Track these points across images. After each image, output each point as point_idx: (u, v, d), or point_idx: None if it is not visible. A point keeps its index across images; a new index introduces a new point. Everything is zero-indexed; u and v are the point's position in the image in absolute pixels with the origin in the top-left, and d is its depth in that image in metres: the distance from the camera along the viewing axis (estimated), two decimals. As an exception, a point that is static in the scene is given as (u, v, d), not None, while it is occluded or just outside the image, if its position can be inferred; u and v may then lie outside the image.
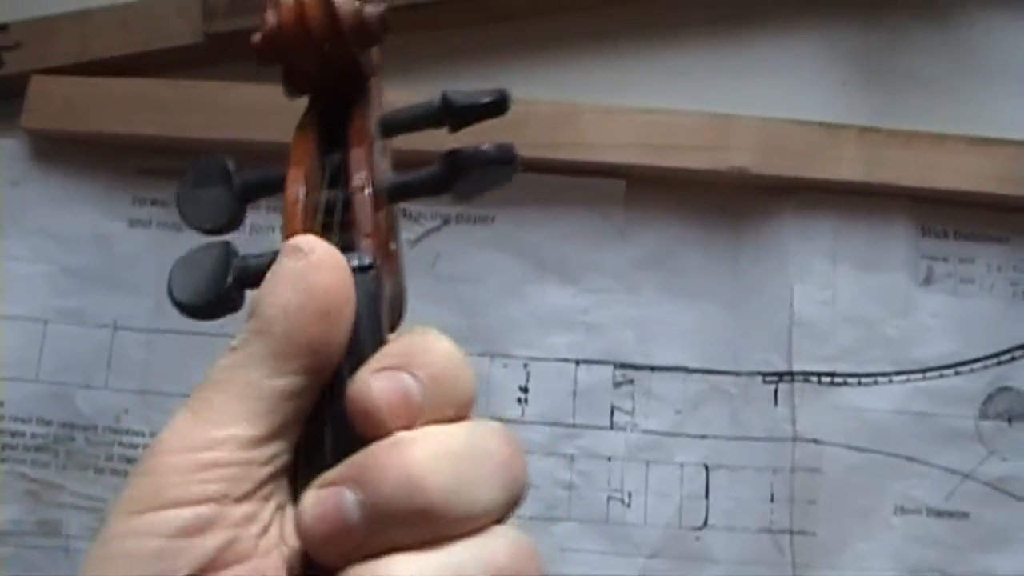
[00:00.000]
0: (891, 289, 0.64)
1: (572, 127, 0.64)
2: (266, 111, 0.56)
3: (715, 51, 0.68)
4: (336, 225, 0.34)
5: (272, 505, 0.29)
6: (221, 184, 0.36)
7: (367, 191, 0.34)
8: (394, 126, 0.38)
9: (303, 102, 0.39)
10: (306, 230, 0.33)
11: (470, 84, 0.60)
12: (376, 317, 0.31)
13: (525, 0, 0.67)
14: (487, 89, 0.38)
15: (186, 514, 0.27)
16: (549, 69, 0.68)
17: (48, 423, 0.63)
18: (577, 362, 0.64)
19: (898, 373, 0.64)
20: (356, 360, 0.30)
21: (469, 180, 0.36)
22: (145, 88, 0.65)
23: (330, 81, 0.38)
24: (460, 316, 0.64)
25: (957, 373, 0.64)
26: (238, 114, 0.64)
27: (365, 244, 0.32)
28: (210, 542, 0.27)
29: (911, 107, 0.67)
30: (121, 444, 0.63)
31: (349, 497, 0.27)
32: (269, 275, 0.30)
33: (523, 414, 0.63)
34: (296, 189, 0.34)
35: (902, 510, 0.62)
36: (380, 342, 0.31)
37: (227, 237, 0.36)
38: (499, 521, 0.28)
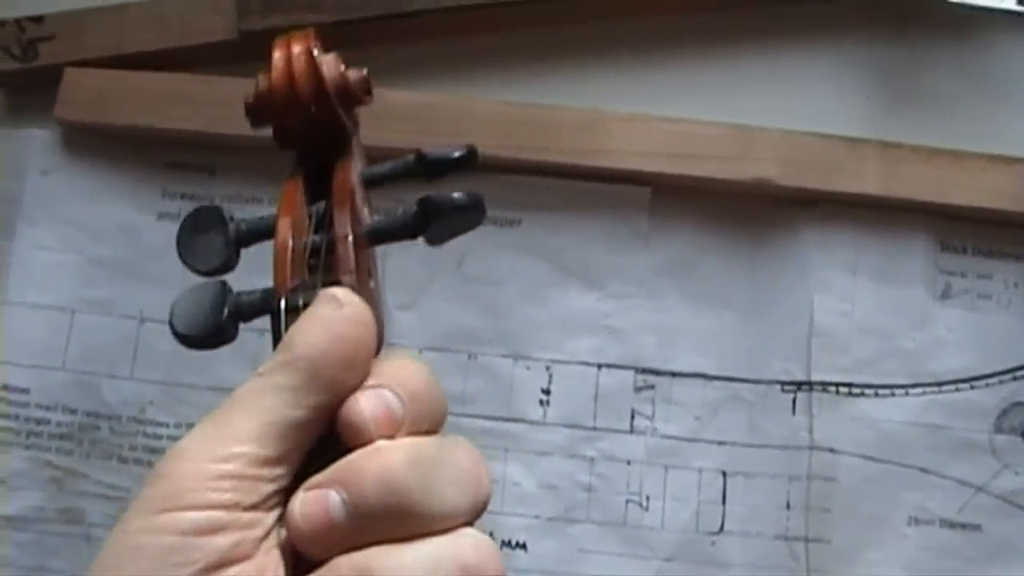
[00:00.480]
0: (909, 303, 0.65)
1: (599, 134, 0.64)
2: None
3: (741, 63, 0.69)
4: (321, 267, 0.37)
5: (274, 515, 0.32)
6: (217, 230, 0.40)
7: (349, 238, 0.37)
8: (374, 181, 0.41)
9: None
10: (294, 271, 0.37)
11: (500, 89, 0.62)
12: None
13: (557, 8, 0.68)
14: (457, 144, 0.41)
15: (201, 516, 0.30)
16: (578, 77, 0.68)
17: (73, 412, 0.63)
18: (599, 366, 0.64)
19: (914, 385, 0.64)
20: None
21: (440, 225, 0.39)
22: (177, 83, 0.66)
23: (316, 138, 0.41)
24: (484, 317, 0.64)
25: (972, 387, 0.65)
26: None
27: (347, 281, 0.36)
28: (221, 542, 0.30)
29: (932, 124, 0.68)
30: (145, 435, 0.63)
31: (334, 497, 0.31)
32: (305, 315, 0.34)
33: (544, 416, 0.64)
34: (286, 235, 0.38)
35: (916, 521, 0.63)
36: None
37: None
38: (467, 524, 0.32)
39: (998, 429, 0.64)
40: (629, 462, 0.63)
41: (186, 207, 0.66)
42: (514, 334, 0.64)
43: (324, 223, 0.39)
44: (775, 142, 0.65)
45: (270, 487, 0.32)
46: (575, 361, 0.64)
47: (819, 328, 0.64)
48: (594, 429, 0.64)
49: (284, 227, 0.38)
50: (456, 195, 0.39)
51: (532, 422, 0.63)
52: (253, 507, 0.31)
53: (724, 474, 0.64)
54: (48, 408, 0.63)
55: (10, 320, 0.64)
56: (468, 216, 0.39)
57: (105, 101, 0.65)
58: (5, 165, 0.66)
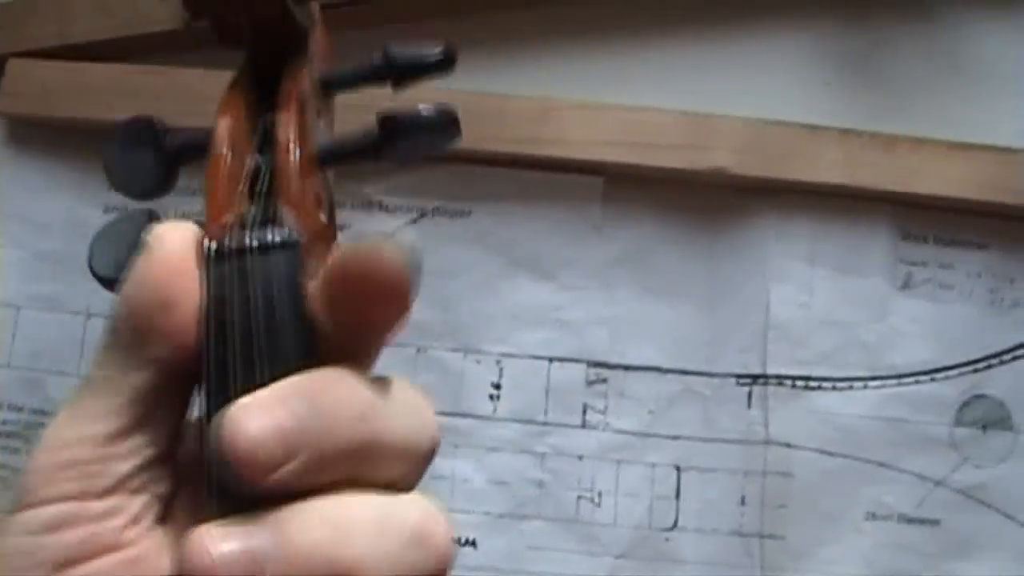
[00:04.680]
0: (869, 293, 0.64)
1: (551, 123, 0.63)
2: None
3: (697, 49, 0.67)
4: (261, 193, 0.32)
5: (144, 497, 0.30)
6: (149, 146, 0.35)
7: (294, 155, 0.32)
8: (333, 84, 0.36)
9: None
10: (229, 195, 0.31)
11: (448, 77, 0.59)
12: (295, 301, 0.30)
13: (505, -8, 0.67)
14: (432, 41, 0.36)
15: (45, 513, 0.28)
16: (528, 64, 0.67)
17: (20, 409, 0.63)
18: (550, 360, 0.63)
19: (873, 378, 0.63)
20: (271, 347, 0.29)
21: (405, 145, 0.34)
22: (123, 74, 0.64)
23: (262, 35, 0.35)
24: (434, 310, 0.63)
25: (933, 380, 0.63)
26: (217, 101, 0.63)
27: (288, 216, 0.31)
28: (70, 537, 0.28)
29: (894, 110, 0.66)
30: (91, 432, 0.62)
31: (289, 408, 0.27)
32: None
33: (495, 411, 0.63)
34: (221, 147, 0.32)
35: (873, 516, 0.62)
36: (301, 328, 0.29)
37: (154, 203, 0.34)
38: (418, 475, 0.30)
39: (959, 422, 0.63)
40: (581, 457, 0.63)
41: (132, 201, 0.64)
42: (464, 327, 0.63)
43: (269, 140, 0.33)
44: (732, 130, 0.63)
45: (126, 465, 0.29)
46: (526, 355, 0.63)
47: (776, 320, 0.63)
48: (545, 424, 0.63)
49: (221, 136, 0.33)
50: (423, 108, 0.34)
51: (482, 417, 0.62)
52: (107, 493, 0.29)
53: (678, 469, 0.63)
54: (-7, 406, 0.63)
55: (-46, 317, 0.63)
56: (438, 134, 0.34)
57: (49, 93, 0.64)
58: (-52, 160, 0.65)
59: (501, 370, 0.63)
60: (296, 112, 0.33)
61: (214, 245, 0.30)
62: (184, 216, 0.32)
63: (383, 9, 0.66)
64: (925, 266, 0.65)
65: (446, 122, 0.34)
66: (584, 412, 0.63)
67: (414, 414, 0.30)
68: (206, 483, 0.28)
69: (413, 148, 0.34)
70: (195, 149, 0.34)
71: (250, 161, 0.33)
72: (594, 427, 0.63)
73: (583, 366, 0.63)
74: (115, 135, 0.35)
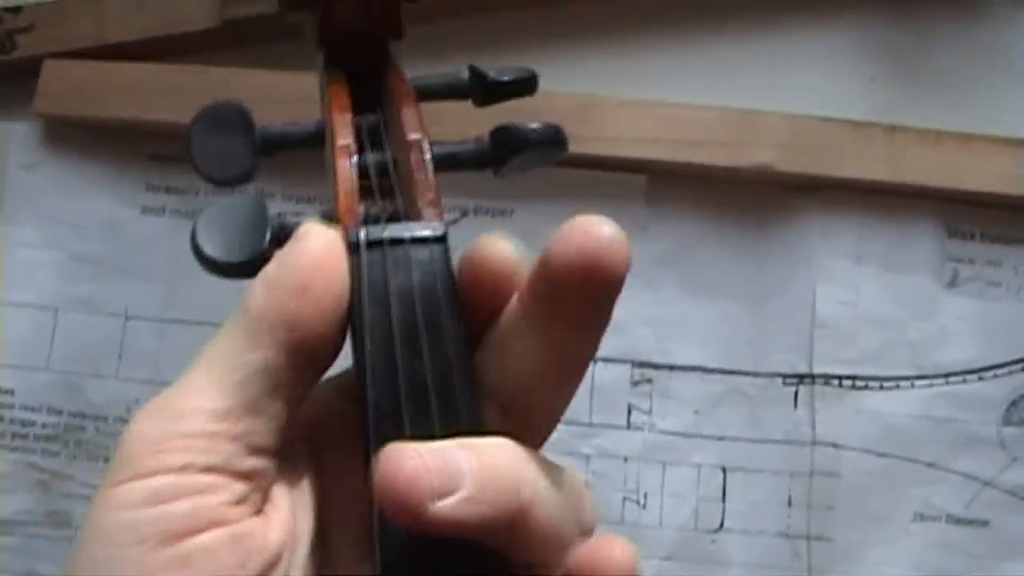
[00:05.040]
0: (915, 291, 0.63)
1: (593, 120, 0.62)
2: (282, 99, 0.55)
3: (741, 44, 0.67)
4: (397, 188, 0.32)
5: (246, 484, 0.29)
6: (239, 131, 0.34)
7: (427, 154, 0.32)
8: (420, 94, 0.36)
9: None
10: (358, 189, 0.31)
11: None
12: (453, 296, 0.30)
13: (547, -12, 0.66)
14: (516, 67, 0.37)
15: (150, 484, 0.27)
16: (571, 60, 0.66)
17: (59, 413, 0.62)
18: (595, 360, 0.62)
19: (920, 377, 0.63)
20: (433, 337, 0.29)
21: (518, 159, 0.35)
22: (160, 73, 0.64)
23: (366, 31, 0.36)
24: (476, 311, 0.63)
25: (980, 378, 0.63)
26: (254, 101, 0.61)
27: (431, 212, 0.31)
28: (175, 510, 0.27)
29: (940, 105, 0.65)
30: (131, 435, 0.62)
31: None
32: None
33: (539, 412, 0.62)
34: (346, 139, 0.32)
35: (921, 517, 0.62)
36: (458, 326, 0.30)
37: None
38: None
39: (1007, 421, 0.62)
40: (626, 459, 0.62)
41: (170, 201, 0.64)
42: (507, 328, 0.63)
43: (381, 138, 0.33)
44: (776, 126, 0.63)
45: (234, 446, 0.28)
46: (570, 356, 0.62)
47: (822, 319, 0.63)
48: (590, 425, 0.62)
49: (343, 128, 0.32)
50: (537, 126, 0.35)
51: (526, 419, 0.62)
52: (212, 469, 0.28)
53: (724, 470, 0.62)
54: (33, 409, 0.62)
55: (-8, 320, 0.63)
56: (548, 150, 0.35)
57: (86, 93, 0.63)
58: (-14, 161, 0.64)
59: (545, 371, 0.62)
60: (418, 109, 0.33)
61: (364, 234, 0.30)
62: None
63: (422, 8, 0.65)
64: (972, 263, 0.64)
65: (556, 139, 0.35)
66: (629, 413, 0.62)
67: (572, 507, 0.30)
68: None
69: (523, 161, 0.35)
70: (286, 141, 0.34)
71: (367, 158, 0.33)
72: (639, 428, 0.62)
73: (628, 366, 0.63)
74: (202, 115, 0.34)
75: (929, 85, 0.66)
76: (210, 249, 0.31)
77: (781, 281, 0.63)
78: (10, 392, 0.62)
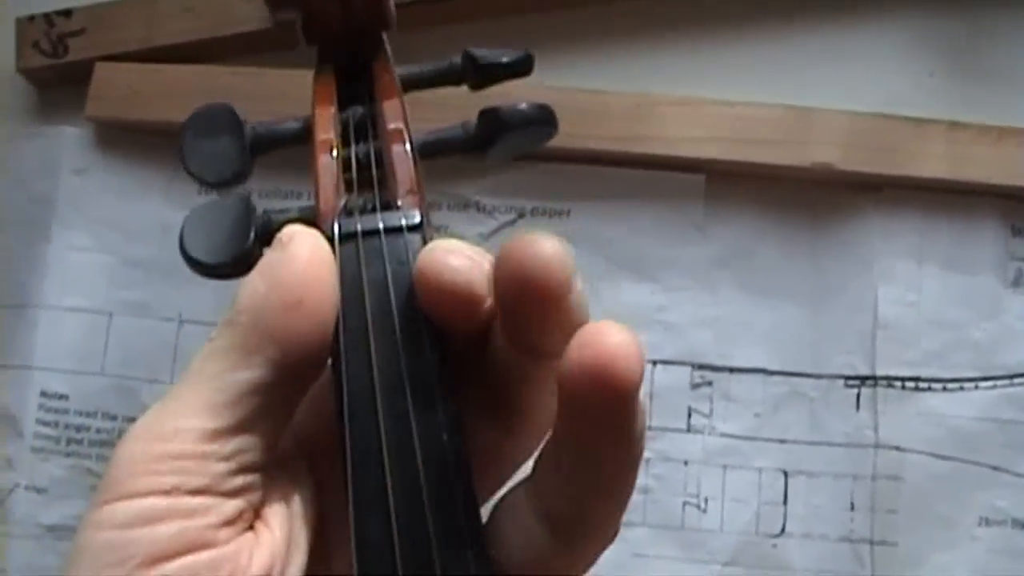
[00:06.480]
0: (979, 291, 0.62)
1: (650, 120, 0.62)
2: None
3: (799, 41, 0.66)
4: (374, 181, 0.31)
5: (237, 502, 0.28)
6: (229, 133, 0.34)
7: (407, 144, 0.31)
8: (412, 83, 0.36)
9: None
10: (338, 182, 0.31)
11: (544, 73, 0.57)
12: None
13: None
14: (509, 50, 0.36)
15: (136, 506, 0.27)
16: (626, 59, 0.65)
17: (113, 418, 0.62)
18: (654, 363, 0.62)
19: (985, 379, 0.62)
20: (408, 329, 0.28)
21: (506, 141, 0.34)
22: (211, 75, 0.63)
23: (351, 28, 0.35)
24: (533, 314, 0.62)
25: (1046, 380, 0.62)
26: (305, 102, 0.61)
27: (409, 201, 0.30)
28: (160, 532, 0.27)
29: (1002, 101, 0.64)
30: (187, 440, 0.61)
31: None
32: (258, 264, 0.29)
33: (597, 416, 0.61)
34: (327, 132, 0.31)
35: (986, 521, 0.60)
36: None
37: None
38: None
39: (1074, 423, 0.61)
40: (686, 462, 0.61)
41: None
42: (564, 331, 0.62)
43: (366, 130, 0.33)
44: (835, 124, 0.62)
45: (223, 466, 0.28)
46: (628, 358, 0.62)
47: (884, 320, 0.62)
48: (650, 428, 0.61)
49: (324, 123, 0.32)
50: (525, 106, 0.34)
51: (585, 422, 0.61)
52: (201, 491, 0.27)
53: (785, 474, 0.61)
54: (88, 415, 0.62)
55: (46, 325, 0.62)
56: (538, 131, 0.35)
57: (137, 96, 0.63)
58: (38, 165, 0.64)
59: (603, 374, 0.61)
60: (400, 101, 0.33)
61: (338, 227, 0.29)
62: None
63: (472, 5, 0.65)
64: (1037, 262, 0.63)
65: (544, 118, 0.34)
66: (689, 416, 0.61)
67: None
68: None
69: (512, 144, 0.34)
70: (277, 139, 0.34)
71: (350, 151, 0.32)
72: (699, 431, 0.61)
73: (687, 369, 0.62)
74: (191, 120, 0.35)
75: (989, 80, 0.65)
76: (194, 250, 0.32)
77: (842, 281, 0.62)
78: (64, 397, 0.62)
